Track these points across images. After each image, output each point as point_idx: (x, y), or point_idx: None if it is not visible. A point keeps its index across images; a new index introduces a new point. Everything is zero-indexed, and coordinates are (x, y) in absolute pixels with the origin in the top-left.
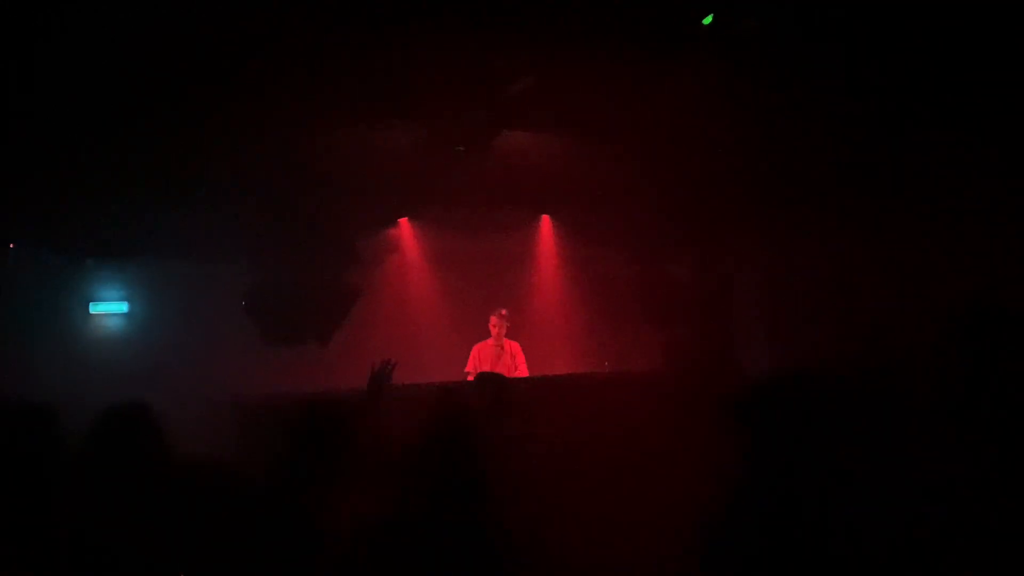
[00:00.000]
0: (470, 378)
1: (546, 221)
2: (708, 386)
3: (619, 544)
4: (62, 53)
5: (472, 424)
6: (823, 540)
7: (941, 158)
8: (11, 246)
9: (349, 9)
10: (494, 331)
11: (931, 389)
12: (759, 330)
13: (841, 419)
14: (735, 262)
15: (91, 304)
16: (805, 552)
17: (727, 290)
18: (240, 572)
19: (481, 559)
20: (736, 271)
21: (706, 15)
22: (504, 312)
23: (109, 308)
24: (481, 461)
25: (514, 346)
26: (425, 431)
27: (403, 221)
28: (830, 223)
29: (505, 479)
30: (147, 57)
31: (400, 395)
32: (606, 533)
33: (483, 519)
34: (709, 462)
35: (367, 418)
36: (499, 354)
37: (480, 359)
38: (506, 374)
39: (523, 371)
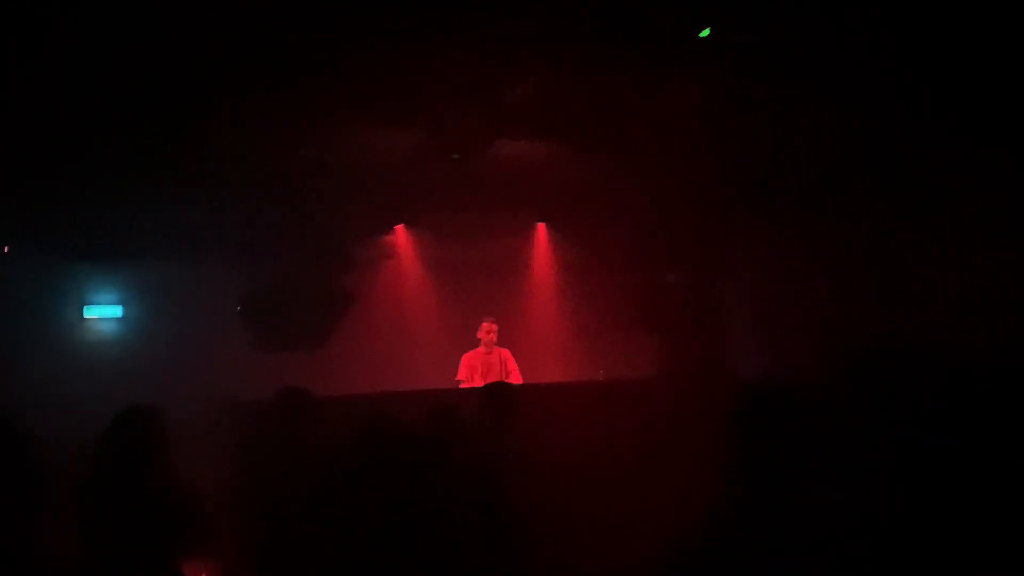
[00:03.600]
0: (463, 386)
1: (542, 229)
2: (702, 394)
3: (613, 552)
4: (57, 55)
5: (473, 434)
6: (817, 544)
7: (935, 165)
8: (5, 250)
9: (345, 16)
10: (485, 339)
11: (921, 395)
12: (753, 337)
13: (834, 425)
14: (729, 270)
15: (85, 308)
16: (799, 556)
17: (721, 298)
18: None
19: (481, 564)
20: (730, 279)
21: (703, 28)
22: (494, 320)
23: (103, 312)
24: (482, 470)
25: (504, 353)
26: (427, 439)
27: (399, 228)
28: (824, 231)
29: (503, 487)
30: (144, 59)
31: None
32: (600, 541)
33: (482, 525)
34: (704, 470)
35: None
36: (490, 362)
37: (471, 367)
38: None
39: (516, 378)
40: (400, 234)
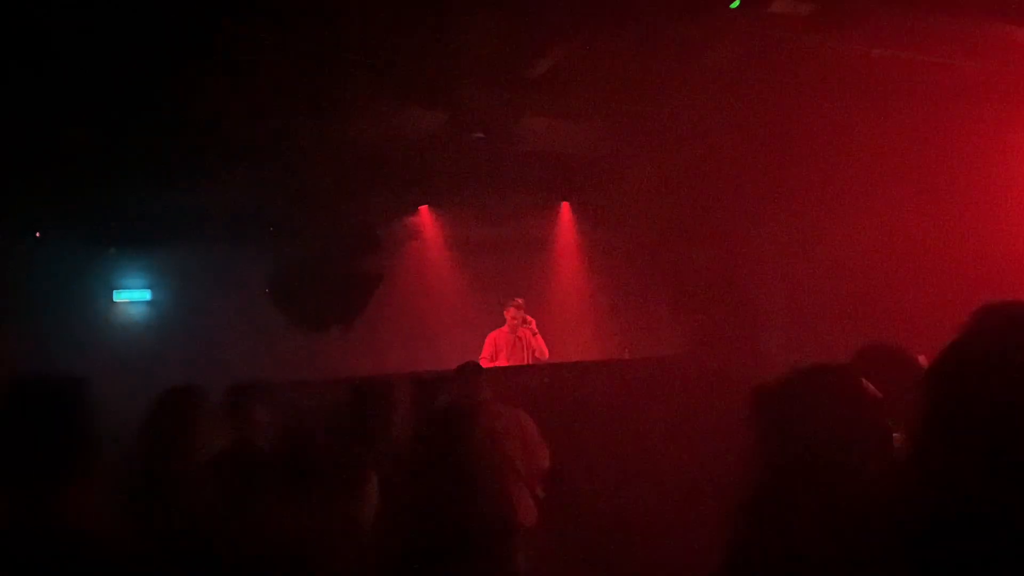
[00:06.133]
0: (486, 365)
1: (566, 208)
2: (729, 371)
3: (641, 529)
4: (84, 45)
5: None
6: (841, 531)
7: (975, 143)
8: (37, 235)
9: None
10: (512, 321)
11: (949, 382)
12: (780, 315)
13: (862, 409)
14: (758, 247)
15: (115, 292)
16: (824, 541)
17: (748, 275)
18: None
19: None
20: (759, 256)
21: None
22: (521, 301)
23: (132, 296)
24: (498, 448)
25: (526, 333)
26: (449, 417)
27: (424, 208)
28: (853, 208)
29: (532, 465)
30: (169, 45)
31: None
32: (628, 518)
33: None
34: (732, 448)
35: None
36: (515, 342)
37: (497, 347)
38: (524, 362)
39: (542, 353)
40: (424, 215)
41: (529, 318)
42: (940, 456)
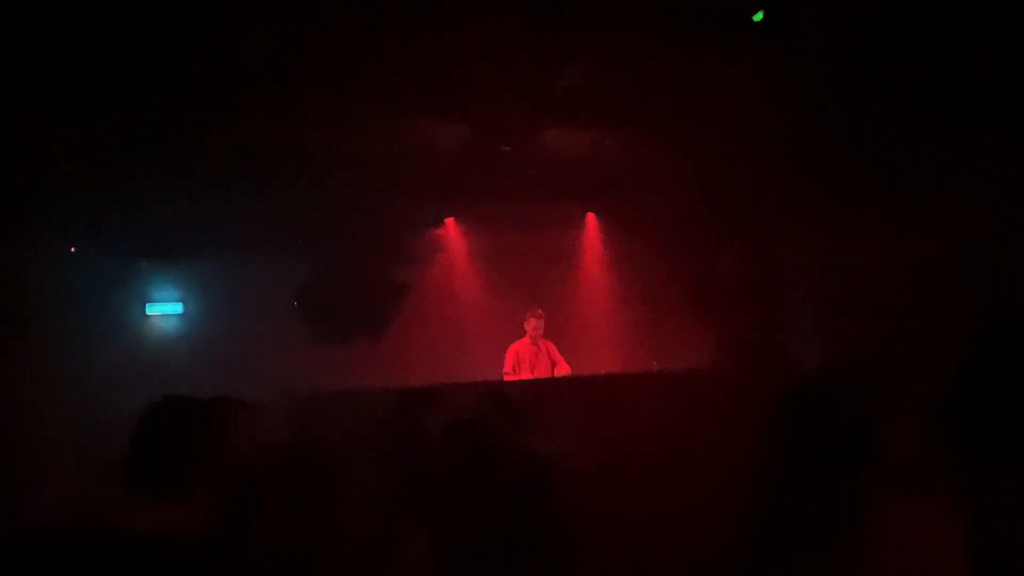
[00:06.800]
0: (508, 378)
1: (591, 219)
2: (760, 383)
3: (669, 544)
4: (114, 57)
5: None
6: (871, 540)
7: (1006, 149)
8: (72, 250)
9: (395, 6)
10: (533, 332)
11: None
12: (810, 325)
13: (891, 418)
14: (785, 257)
15: (147, 305)
16: (850, 551)
17: (778, 286)
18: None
19: (527, 558)
20: (787, 267)
21: (757, 11)
22: (541, 312)
23: (164, 309)
24: (530, 463)
25: (548, 345)
26: (475, 430)
27: (449, 221)
28: (882, 216)
29: (551, 480)
30: (198, 57)
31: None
32: (649, 536)
33: (531, 519)
34: (760, 465)
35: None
36: (537, 353)
37: (519, 359)
38: (547, 374)
39: (563, 368)
40: (451, 227)
41: (552, 350)
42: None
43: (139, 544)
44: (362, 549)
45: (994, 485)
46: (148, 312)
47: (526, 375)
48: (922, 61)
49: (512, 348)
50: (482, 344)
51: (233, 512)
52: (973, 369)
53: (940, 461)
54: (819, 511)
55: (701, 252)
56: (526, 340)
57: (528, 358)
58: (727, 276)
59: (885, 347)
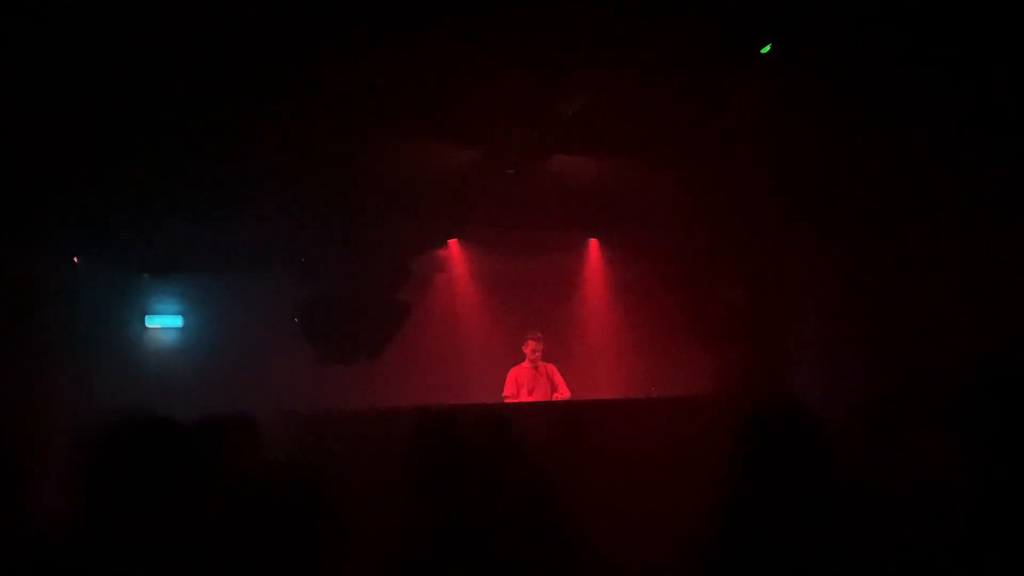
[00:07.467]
0: (508, 401)
1: (594, 244)
2: (760, 410)
3: (664, 570)
4: (120, 70)
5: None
6: (877, 565)
7: (1009, 173)
8: (75, 260)
9: (402, 33)
10: (531, 355)
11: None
12: (813, 353)
13: (891, 443)
14: (788, 285)
15: (147, 317)
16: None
17: (780, 313)
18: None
19: None
20: (789, 295)
21: (764, 44)
22: (540, 335)
23: (164, 322)
24: (533, 486)
25: (550, 368)
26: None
27: (453, 242)
28: (887, 244)
29: (553, 504)
30: (202, 77)
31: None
32: (650, 555)
33: (529, 541)
34: (761, 492)
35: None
36: (536, 377)
37: (519, 383)
38: (547, 397)
39: (564, 391)
40: (454, 248)
41: (554, 373)
42: None
43: (130, 556)
44: (360, 567)
45: (1000, 510)
46: (148, 324)
47: (524, 398)
48: (928, 92)
49: (512, 372)
50: (482, 366)
51: (226, 527)
52: (981, 397)
53: (943, 491)
54: (818, 540)
55: (702, 280)
56: (526, 364)
57: (527, 382)
58: (728, 303)
59: (888, 376)
